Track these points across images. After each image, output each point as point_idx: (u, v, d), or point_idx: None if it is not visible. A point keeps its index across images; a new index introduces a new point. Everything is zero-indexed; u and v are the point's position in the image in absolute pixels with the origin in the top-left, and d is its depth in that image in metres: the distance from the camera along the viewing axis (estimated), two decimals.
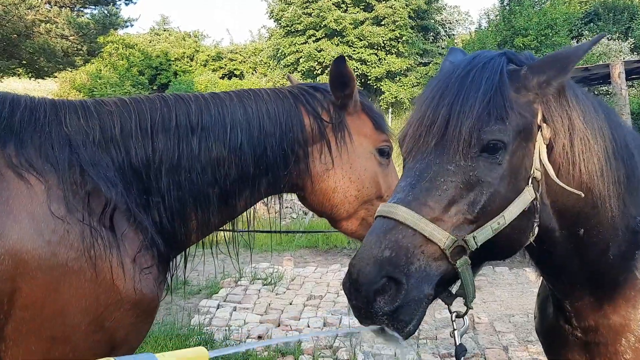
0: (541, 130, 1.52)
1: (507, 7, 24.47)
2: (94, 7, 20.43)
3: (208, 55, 35.13)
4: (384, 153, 2.45)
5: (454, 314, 1.58)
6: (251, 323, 5.99)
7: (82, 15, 20.31)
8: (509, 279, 7.64)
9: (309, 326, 5.89)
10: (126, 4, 26.18)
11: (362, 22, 26.45)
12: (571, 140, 1.58)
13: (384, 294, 1.37)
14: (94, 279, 1.79)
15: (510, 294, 6.95)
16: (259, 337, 5.58)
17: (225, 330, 5.74)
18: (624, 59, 16.33)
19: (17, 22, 16.43)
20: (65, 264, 1.75)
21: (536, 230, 1.55)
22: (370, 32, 25.70)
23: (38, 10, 17.34)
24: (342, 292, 6.13)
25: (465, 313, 1.57)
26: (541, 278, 2.03)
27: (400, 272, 1.37)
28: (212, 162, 2.11)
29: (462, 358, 1.57)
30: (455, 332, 1.58)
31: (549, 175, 1.53)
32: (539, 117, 1.53)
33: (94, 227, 1.81)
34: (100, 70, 29.69)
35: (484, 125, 1.44)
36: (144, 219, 1.97)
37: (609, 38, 25.85)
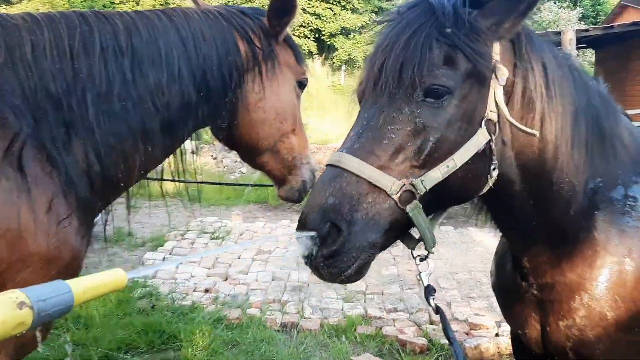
0: (495, 72, 1.50)
1: None
2: None
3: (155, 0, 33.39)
4: (302, 86, 2.42)
5: (418, 258, 1.61)
6: (198, 277, 5.91)
7: None
8: (453, 238, 7.85)
9: (257, 280, 5.87)
10: None
11: None
12: (528, 90, 1.57)
13: (327, 239, 1.41)
14: None
15: (454, 252, 7.16)
16: (206, 291, 5.52)
17: (172, 283, 5.63)
18: (572, 27, 16.76)
19: None
20: None
21: (494, 174, 1.53)
22: None
23: None
24: (292, 247, 6.12)
25: (426, 257, 1.61)
26: (500, 236, 2.03)
27: (342, 219, 1.40)
28: (150, 90, 1.88)
29: (431, 299, 1.59)
30: (422, 274, 1.62)
31: (505, 116, 1.51)
32: (494, 59, 1.50)
33: None
34: (38, 10, 27.77)
35: (427, 70, 1.44)
36: (62, 157, 1.66)
37: (559, 7, 26.39)
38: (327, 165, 1.51)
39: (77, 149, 1.72)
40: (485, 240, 7.75)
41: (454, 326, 4.73)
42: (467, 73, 1.47)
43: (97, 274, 0.85)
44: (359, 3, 25.85)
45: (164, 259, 6.43)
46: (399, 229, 1.49)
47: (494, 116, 1.51)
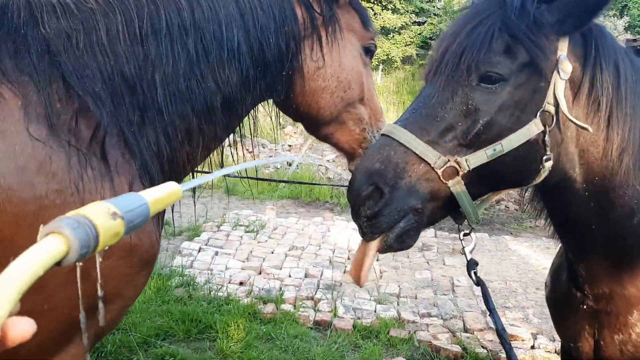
0: (558, 66, 1.52)
1: None
2: None
3: None
4: (369, 52, 2.27)
5: (462, 233, 1.74)
6: (233, 269, 5.98)
7: None
8: (488, 246, 7.75)
9: (290, 276, 5.91)
10: None
11: None
12: (596, 89, 1.58)
13: (369, 200, 1.53)
14: None
15: (489, 260, 7.07)
16: (241, 283, 5.59)
17: (208, 273, 5.73)
18: (617, 37, 16.31)
19: None
20: (45, 197, 1.42)
21: (547, 165, 1.56)
22: None
23: None
24: (324, 245, 6.16)
25: (470, 232, 1.74)
26: (559, 247, 2.01)
27: (385, 184, 1.52)
28: (212, 67, 1.82)
29: (472, 272, 1.72)
30: (465, 248, 1.75)
31: (562, 110, 1.53)
32: (558, 53, 1.54)
33: (84, 154, 1.50)
34: None
35: (484, 58, 1.52)
36: (138, 142, 1.66)
37: (605, 15, 25.67)
38: (381, 134, 1.63)
39: (149, 132, 1.72)
40: (520, 250, 7.63)
41: (489, 336, 4.68)
42: (524, 64, 1.52)
43: (154, 188, 0.85)
44: (400, 4, 25.67)
45: (199, 249, 6.53)
46: (442, 202, 1.58)
47: (551, 108, 1.54)
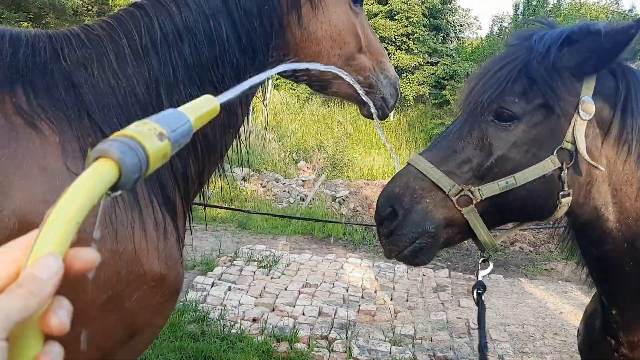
0: (579, 107, 1.56)
1: (521, 16, 24.40)
2: None
3: None
4: (358, 0, 2.19)
5: (481, 259, 1.81)
6: (246, 305, 5.93)
7: None
8: (504, 288, 7.63)
9: (303, 314, 5.84)
10: None
11: (375, 15, 26.22)
12: (625, 132, 1.59)
13: (387, 221, 1.69)
14: (114, 250, 1.47)
15: (505, 302, 6.95)
16: (254, 320, 5.53)
17: (221, 309, 5.68)
18: None
19: None
20: (83, 231, 1.47)
21: (564, 200, 1.59)
22: (382, 25, 25.49)
23: None
24: (338, 283, 6.10)
25: (487, 258, 1.80)
26: (593, 294, 1.97)
27: (401, 207, 1.66)
28: (206, 67, 1.78)
29: (476, 291, 1.78)
30: (480, 271, 1.80)
31: (580, 151, 1.55)
32: (582, 94, 1.57)
33: None
34: None
35: (501, 97, 1.61)
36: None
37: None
38: (407, 163, 1.75)
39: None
40: (536, 293, 7.50)
41: None
42: (540, 105, 1.59)
43: (191, 103, 0.77)
44: (414, 44, 26.10)
45: (213, 283, 6.49)
46: (457, 228, 1.67)
47: (569, 146, 1.58)
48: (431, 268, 8.09)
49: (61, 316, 0.56)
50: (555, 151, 1.58)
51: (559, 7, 25.26)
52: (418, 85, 25.64)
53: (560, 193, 1.59)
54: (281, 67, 1.09)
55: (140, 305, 1.54)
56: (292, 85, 27.87)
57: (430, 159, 1.68)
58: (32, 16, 18.24)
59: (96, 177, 0.58)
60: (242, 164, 2.17)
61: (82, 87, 1.59)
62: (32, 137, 1.44)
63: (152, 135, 0.63)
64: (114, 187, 0.60)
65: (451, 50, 27.61)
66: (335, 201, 12.53)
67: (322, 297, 6.48)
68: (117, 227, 1.48)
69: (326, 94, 2.28)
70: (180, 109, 0.72)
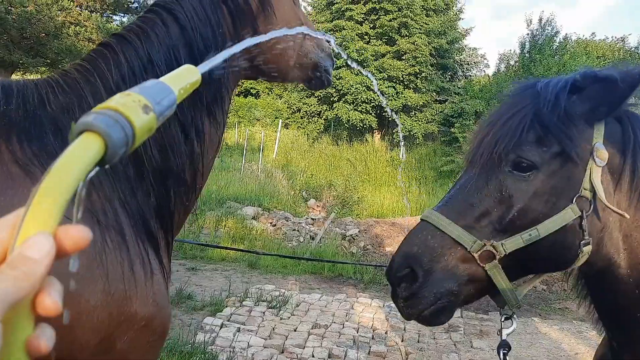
0: (594, 154, 1.56)
1: (528, 55, 24.72)
2: (122, 14, 20.75)
3: None
4: None
5: (503, 316, 1.73)
6: (255, 346, 5.88)
7: (111, 22, 20.62)
8: (517, 328, 7.47)
9: (313, 356, 5.78)
10: None
11: (383, 55, 26.69)
12: (637, 177, 1.59)
13: (405, 282, 1.60)
14: (106, 290, 1.47)
15: (518, 343, 6.82)
16: None
17: (229, 351, 5.64)
18: None
19: (48, 22, 16.71)
20: (75, 273, 1.49)
21: (586, 249, 1.56)
22: (390, 65, 25.92)
23: (69, 13, 17.66)
24: (348, 323, 6.06)
25: (510, 316, 1.72)
26: (602, 337, 1.96)
27: (420, 267, 1.58)
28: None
29: (502, 351, 1.70)
30: (503, 330, 1.73)
31: (600, 197, 1.54)
32: (594, 141, 1.58)
33: (103, 225, 1.51)
34: None
35: (516, 147, 1.58)
36: (137, 201, 1.65)
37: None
38: (420, 219, 1.68)
39: (145, 185, 1.73)
40: (550, 333, 7.36)
41: None
42: (556, 153, 1.57)
43: (172, 74, 0.74)
44: (422, 83, 26.45)
45: (222, 325, 6.47)
46: (479, 284, 1.61)
47: (587, 194, 1.55)
48: None
49: (55, 297, 0.54)
50: (575, 199, 1.55)
51: (565, 45, 25.58)
52: (427, 123, 25.87)
53: (582, 242, 1.56)
54: (253, 40, 1.03)
55: (131, 346, 1.55)
56: (301, 124, 28.21)
57: (446, 214, 1.61)
58: (49, 61, 18.82)
59: (82, 152, 0.56)
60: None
61: (67, 130, 1.60)
62: (27, 184, 1.47)
63: (137, 108, 0.61)
64: (99, 162, 0.57)
65: (459, 88, 27.92)
66: (345, 239, 12.52)
67: (332, 338, 6.41)
68: (107, 267, 1.48)
69: (281, 80, 2.32)
70: (163, 79, 0.70)
